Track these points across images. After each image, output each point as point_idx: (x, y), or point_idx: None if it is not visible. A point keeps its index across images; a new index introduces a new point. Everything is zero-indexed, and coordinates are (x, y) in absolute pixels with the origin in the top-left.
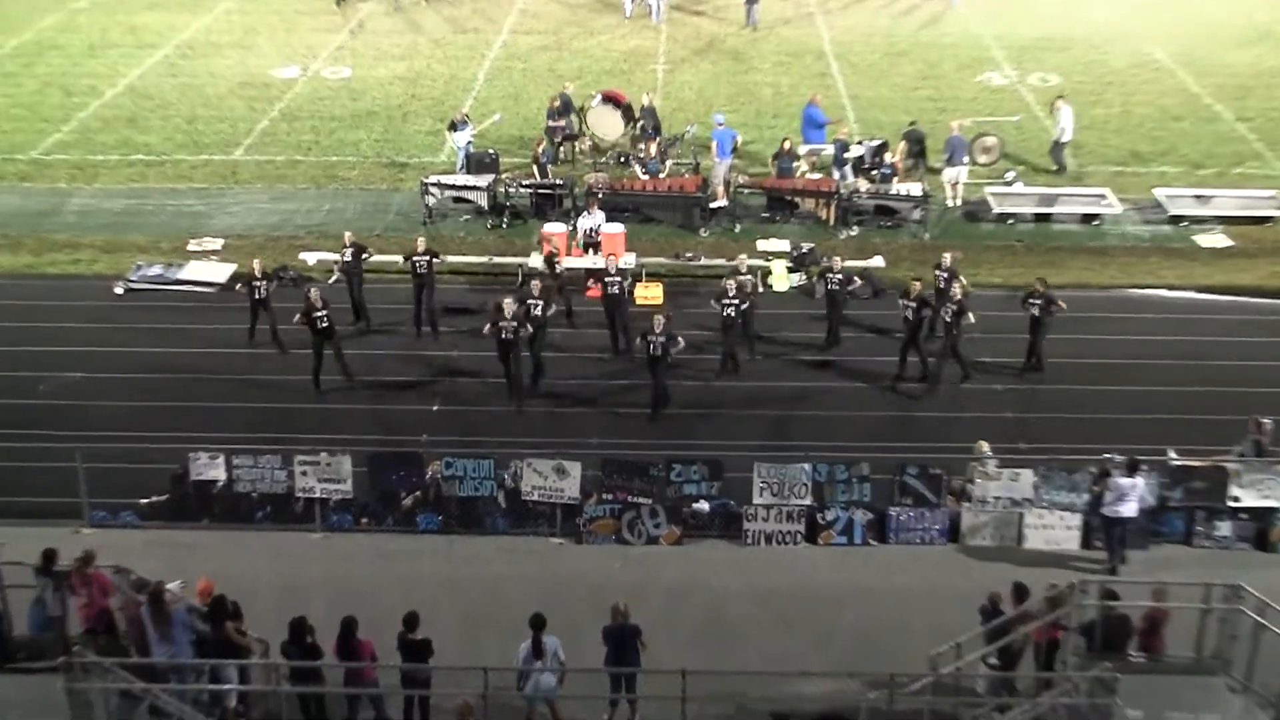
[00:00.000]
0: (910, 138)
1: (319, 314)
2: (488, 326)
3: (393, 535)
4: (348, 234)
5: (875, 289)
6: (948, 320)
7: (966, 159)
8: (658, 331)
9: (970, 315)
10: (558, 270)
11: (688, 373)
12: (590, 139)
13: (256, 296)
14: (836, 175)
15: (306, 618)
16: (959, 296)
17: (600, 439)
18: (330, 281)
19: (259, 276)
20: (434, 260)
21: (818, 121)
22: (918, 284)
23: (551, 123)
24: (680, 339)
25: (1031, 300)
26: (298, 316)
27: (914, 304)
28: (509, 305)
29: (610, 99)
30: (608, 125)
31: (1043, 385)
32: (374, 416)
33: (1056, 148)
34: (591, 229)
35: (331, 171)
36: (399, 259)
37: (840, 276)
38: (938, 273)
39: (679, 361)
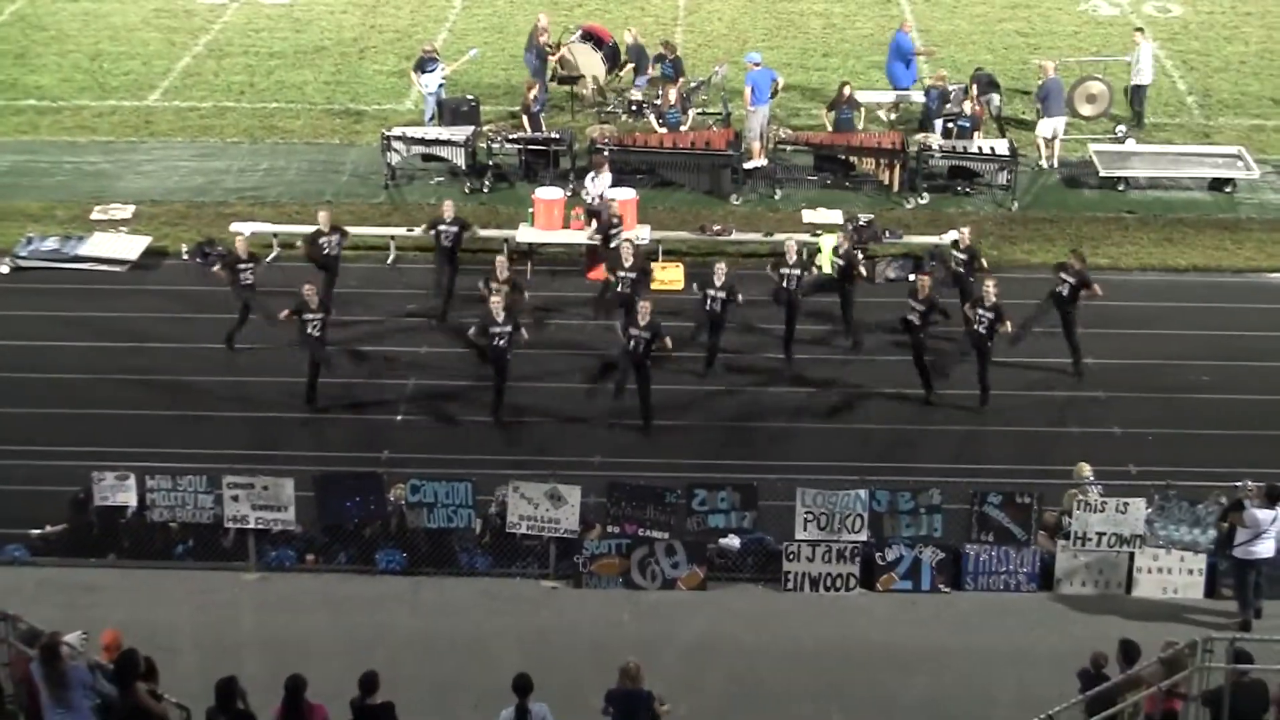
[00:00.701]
0: (980, 81)
1: (312, 317)
2: (473, 330)
3: (346, 576)
4: (323, 214)
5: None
6: (980, 330)
7: (1066, 109)
8: (642, 325)
9: (1009, 324)
10: (614, 244)
11: (714, 378)
12: (593, 82)
13: (243, 283)
14: (918, 138)
15: (237, 679)
16: (993, 298)
17: (604, 458)
18: (268, 260)
19: (245, 259)
20: (465, 233)
21: (906, 52)
22: (926, 280)
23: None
24: (668, 338)
25: (1063, 276)
26: (285, 313)
27: (922, 307)
28: (497, 304)
29: (591, 36)
30: (585, 69)
31: (1158, 393)
32: (323, 428)
33: (1136, 93)
34: (600, 193)
35: (270, 122)
36: (408, 230)
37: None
38: (955, 253)
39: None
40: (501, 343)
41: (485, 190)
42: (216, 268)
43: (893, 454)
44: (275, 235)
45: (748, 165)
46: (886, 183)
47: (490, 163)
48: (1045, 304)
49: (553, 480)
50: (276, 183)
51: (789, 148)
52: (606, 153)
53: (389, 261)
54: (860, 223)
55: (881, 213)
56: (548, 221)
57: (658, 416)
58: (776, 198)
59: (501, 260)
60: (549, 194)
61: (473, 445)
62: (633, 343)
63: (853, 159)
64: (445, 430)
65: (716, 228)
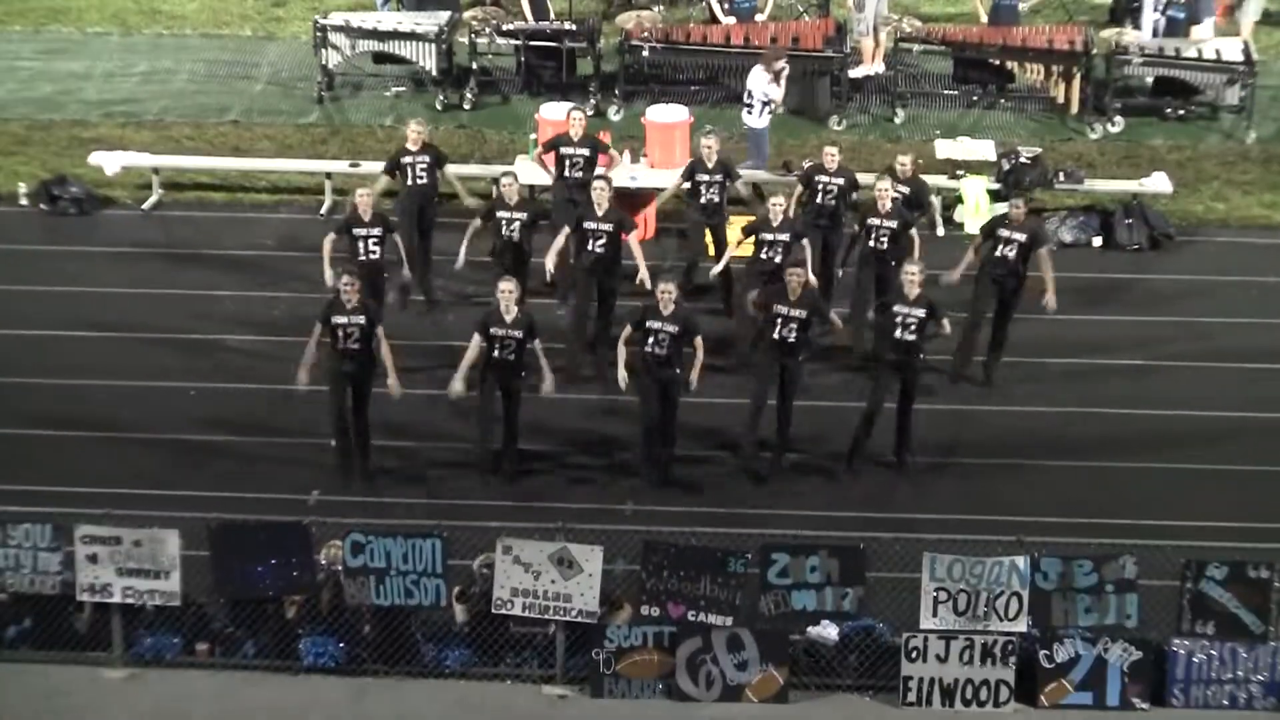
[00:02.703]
0: None
1: (347, 323)
2: (476, 338)
3: (256, 674)
4: (414, 126)
5: (1154, 234)
6: (906, 339)
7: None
8: (665, 315)
9: (946, 326)
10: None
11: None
12: None
13: (368, 257)
14: (1109, 34)
15: None
16: (917, 289)
17: (638, 505)
18: (145, 206)
19: (369, 221)
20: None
21: None
22: (1022, 205)
23: None
24: (699, 344)
25: (1001, 233)
26: (318, 328)
27: (1022, 236)
28: (508, 293)
29: None
30: None
31: None
32: (225, 454)
33: None
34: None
35: (151, 4)
36: (351, 165)
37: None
38: (895, 187)
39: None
40: (509, 355)
41: (467, 107)
42: (330, 237)
43: (1060, 503)
44: (156, 171)
45: (855, 73)
46: (1062, 101)
47: (474, 66)
48: (982, 291)
49: (561, 535)
50: (160, 93)
51: (916, 48)
52: (647, 50)
53: (323, 211)
54: (1022, 159)
55: (1051, 145)
56: None
57: (715, 443)
58: (898, 121)
59: (510, 186)
60: (560, 112)
61: (444, 484)
62: (656, 342)
63: (1012, 65)
64: (406, 458)
65: (808, 164)
